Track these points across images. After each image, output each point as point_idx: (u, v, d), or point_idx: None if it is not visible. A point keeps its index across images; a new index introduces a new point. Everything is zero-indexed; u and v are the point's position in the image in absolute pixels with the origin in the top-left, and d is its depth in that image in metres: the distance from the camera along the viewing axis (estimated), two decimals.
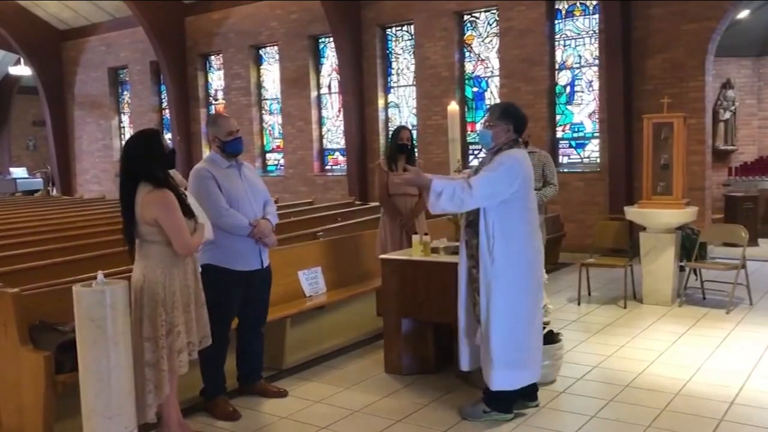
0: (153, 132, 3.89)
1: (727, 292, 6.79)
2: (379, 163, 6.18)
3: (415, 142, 9.43)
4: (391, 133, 6.66)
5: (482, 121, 4.34)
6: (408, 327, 4.97)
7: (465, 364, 4.26)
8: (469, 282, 4.14)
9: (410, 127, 7.72)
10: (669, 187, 6.86)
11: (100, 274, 3.44)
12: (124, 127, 17.24)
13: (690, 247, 7.08)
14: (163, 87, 15.84)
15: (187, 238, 3.65)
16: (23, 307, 3.90)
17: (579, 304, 7.01)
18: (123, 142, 16.72)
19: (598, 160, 10.34)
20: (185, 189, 3.91)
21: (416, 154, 6.68)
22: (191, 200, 3.89)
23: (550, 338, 4.75)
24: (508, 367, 4.03)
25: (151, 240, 3.64)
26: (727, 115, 11.81)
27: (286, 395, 4.64)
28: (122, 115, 17.24)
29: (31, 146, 22.41)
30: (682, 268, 7.12)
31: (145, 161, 3.64)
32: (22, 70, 17.77)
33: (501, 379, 4.04)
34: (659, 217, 6.82)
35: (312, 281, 5.75)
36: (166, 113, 15.83)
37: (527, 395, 4.27)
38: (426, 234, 5.01)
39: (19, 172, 20.36)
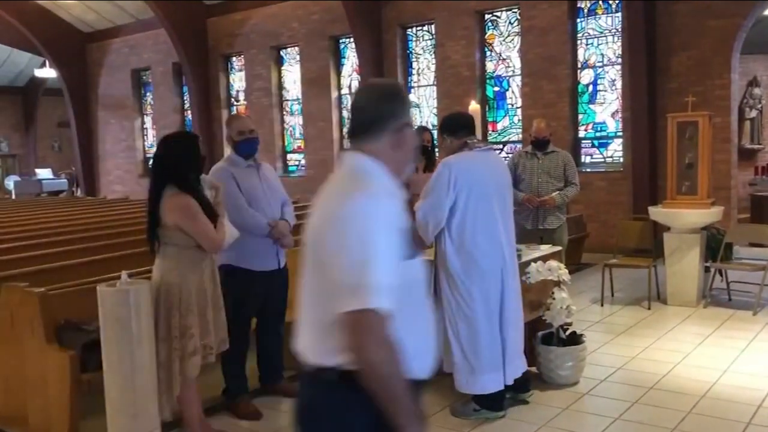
0: (193, 137, 3.92)
1: (753, 294, 6.68)
2: None
3: (435, 142, 9.41)
4: None
5: None
6: None
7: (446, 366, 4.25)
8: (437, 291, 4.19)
9: (431, 128, 7.71)
10: (694, 186, 6.77)
11: (124, 274, 3.48)
12: (146, 128, 17.41)
13: (715, 247, 6.97)
14: (185, 88, 15.96)
15: (212, 237, 3.69)
16: (49, 306, 3.95)
17: (602, 305, 6.94)
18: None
19: (622, 160, 10.22)
20: (216, 190, 3.91)
21: (437, 155, 6.66)
22: (221, 198, 3.91)
23: (573, 340, 4.72)
24: (470, 373, 4.03)
25: (170, 242, 3.67)
26: (754, 113, 11.63)
27: None
28: (145, 116, 17.41)
29: (56, 147, 22.72)
30: (707, 269, 7.01)
31: (180, 164, 3.67)
32: (48, 72, 18.03)
33: (464, 383, 4.06)
34: (684, 217, 6.73)
35: None
36: (189, 114, 15.96)
37: (518, 388, 4.26)
38: None
39: (44, 173, 20.68)
